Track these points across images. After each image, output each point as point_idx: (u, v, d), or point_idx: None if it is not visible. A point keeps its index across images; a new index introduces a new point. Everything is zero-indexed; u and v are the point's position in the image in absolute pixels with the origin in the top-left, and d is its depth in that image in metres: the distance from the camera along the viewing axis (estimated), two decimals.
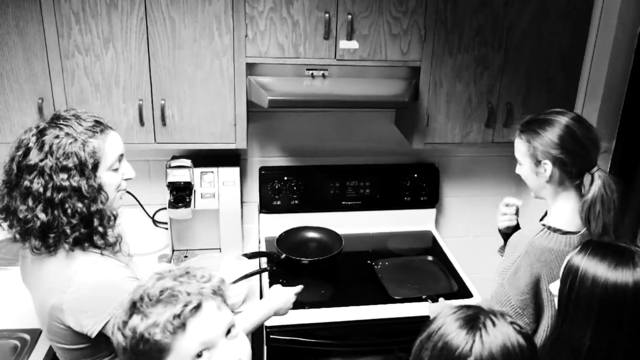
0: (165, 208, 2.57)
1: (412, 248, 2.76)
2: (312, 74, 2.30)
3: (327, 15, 2.21)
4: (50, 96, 2.19)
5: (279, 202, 2.74)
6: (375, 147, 2.84)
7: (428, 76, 2.38)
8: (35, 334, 2.02)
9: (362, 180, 2.79)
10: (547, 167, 1.78)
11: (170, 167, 2.42)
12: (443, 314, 1.22)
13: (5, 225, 1.56)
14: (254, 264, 2.39)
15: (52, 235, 1.50)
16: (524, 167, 1.87)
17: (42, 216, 1.47)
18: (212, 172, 2.51)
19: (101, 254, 1.56)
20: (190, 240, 2.66)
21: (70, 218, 1.49)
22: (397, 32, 2.29)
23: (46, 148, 1.48)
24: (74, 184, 1.48)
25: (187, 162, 2.43)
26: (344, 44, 2.26)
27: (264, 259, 2.58)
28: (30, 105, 2.19)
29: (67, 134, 1.50)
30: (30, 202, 1.47)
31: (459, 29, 2.33)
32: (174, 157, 2.51)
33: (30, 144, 1.49)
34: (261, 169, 2.74)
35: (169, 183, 2.42)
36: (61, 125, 1.52)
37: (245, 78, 2.27)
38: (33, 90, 2.18)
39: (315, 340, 2.24)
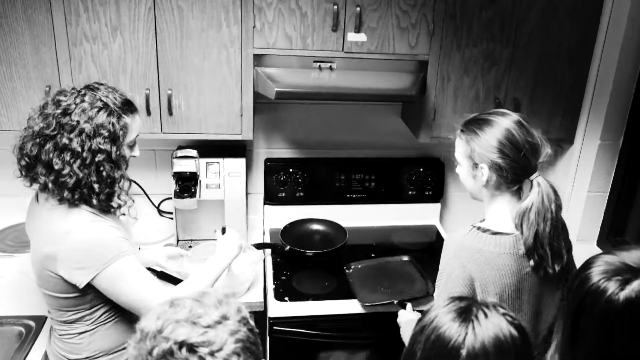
0: (170, 198, 2.57)
1: (416, 242, 2.77)
2: (319, 66, 2.29)
3: (335, 7, 2.20)
4: (58, 84, 2.18)
5: (284, 194, 2.74)
6: (381, 141, 2.83)
7: (436, 70, 2.37)
8: (40, 320, 2.04)
9: (368, 174, 2.79)
10: (484, 171, 1.70)
11: (176, 157, 2.42)
12: (436, 307, 1.22)
13: (28, 173, 1.69)
14: (259, 255, 2.40)
15: (82, 190, 1.66)
16: (462, 168, 1.79)
17: (78, 172, 1.64)
18: (217, 162, 2.51)
19: (105, 216, 1.73)
20: (195, 230, 2.66)
21: (99, 177, 1.68)
22: (406, 25, 2.28)
23: (88, 113, 1.66)
24: (107, 148, 1.67)
25: (193, 152, 2.43)
26: (352, 36, 2.26)
27: (268, 250, 2.59)
28: (37, 92, 2.19)
29: (106, 105, 1.69)
30: (67, 157, 1.64)
31: (467, 24, 2.32)
32: (179, 147, 2.51)
33: (72, 106, 1.66)
34: (267, 160, 2.74)
35: (175, 173, 2.43)
36: (101, 97, 1.69)
37: (253, 69, 2.26)
38: (40, 78, 2.18)
39: (318, 332, 2.24)
